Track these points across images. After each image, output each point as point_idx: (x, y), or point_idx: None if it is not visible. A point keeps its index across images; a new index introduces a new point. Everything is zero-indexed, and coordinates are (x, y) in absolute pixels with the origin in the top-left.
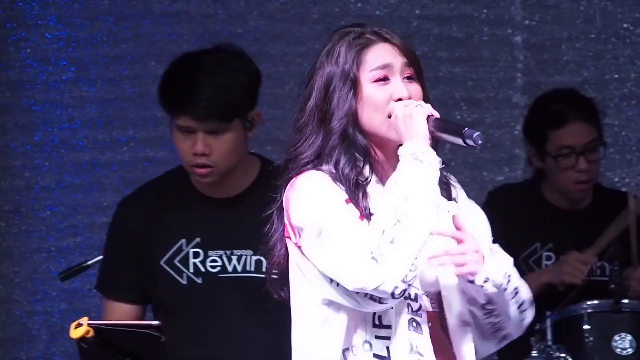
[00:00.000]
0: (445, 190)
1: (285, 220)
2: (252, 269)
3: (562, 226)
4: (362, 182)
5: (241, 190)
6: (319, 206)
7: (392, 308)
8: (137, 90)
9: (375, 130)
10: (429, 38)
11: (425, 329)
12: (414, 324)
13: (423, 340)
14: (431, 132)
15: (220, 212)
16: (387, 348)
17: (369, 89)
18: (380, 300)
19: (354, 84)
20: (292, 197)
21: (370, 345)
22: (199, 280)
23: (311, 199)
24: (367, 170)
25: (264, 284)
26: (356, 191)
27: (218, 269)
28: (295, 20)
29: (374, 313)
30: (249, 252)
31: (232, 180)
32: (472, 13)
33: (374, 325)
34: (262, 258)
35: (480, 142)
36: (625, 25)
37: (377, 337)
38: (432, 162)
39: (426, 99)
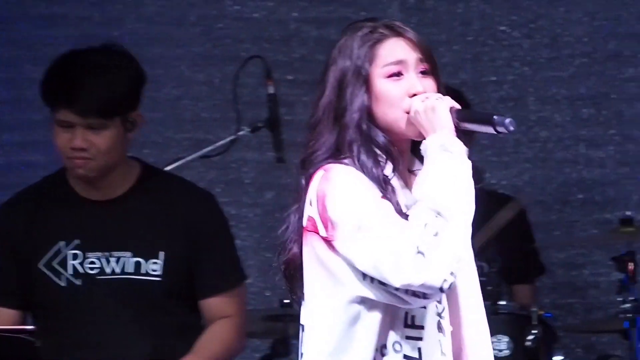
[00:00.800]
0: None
1: (313, 214)
2: (131, 270)
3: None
4: (388, 178)
5: (121, 193)
6: (358, 200)
7: (425, 307)
8: (13, 94)
9: (391, 126)
10: (307, 41)
11: (448, 330)
12: (440, 325)
13: (447, 342)
14: (455, 124)
15: (99, 214)
16: (419, 349)
17: (383, 85)
18: (425, 296)
19: (367, 80)
20: (328, 189)
21: (400, 345)
22: (78, 282)
23: (350, 192)
24: (389, 166)
25: (143, 285)
26: (385, 186)
27: (97, 270)
28: (172, 23)
29: (406, 313)
30: (128, 254)
31: (111, 182)
32: (350, 16)
33: (406, 325)
34: (141, 260)
35: (512, 128)
36: (502, 28)
37: (407, 337)
38: (463, 152)
39: (442, 94)
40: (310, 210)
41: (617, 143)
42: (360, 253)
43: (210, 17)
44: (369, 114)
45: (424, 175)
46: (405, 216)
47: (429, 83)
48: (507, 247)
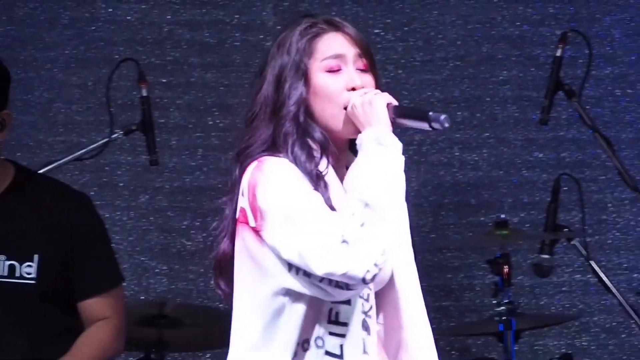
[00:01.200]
0: None
1: (244, 205)
2: (5, 274)
3: None
4: (321, 173)
5: None
6: (288, 190)
7: (349, 304)
8: None
9: (328, 122)
10: (180, 43)
11: (374, 330)
12: (365, 324)
13: (371, 342)
14: (392, 120)
15: None
16: (341, 346)
17: (321, 79)
18: (348, 287)
19: (305, 74)
20: (260, 179)
21: (323, 341)
22: None
23: (281, 183)
24: (324, 161)
25: (17, 289)
26: (317, 181)
27: None
28: (44, 25)
29: (331, 308)
30: (2, 257)
31: None
32: (223, 18)
33: (329, 321)
34: (15, 263)
35: (447, 124)
36: (376, 31)
37: (330, 333)
38: (397, 147)
39: (379, 90)
40: (241, 200)
41: (491, 146)
42: (286, 242)
43: (83, 20)
44: (306, 109)
45: (356, 167)
46: (335, 211)
47: (368, 79)
48: None
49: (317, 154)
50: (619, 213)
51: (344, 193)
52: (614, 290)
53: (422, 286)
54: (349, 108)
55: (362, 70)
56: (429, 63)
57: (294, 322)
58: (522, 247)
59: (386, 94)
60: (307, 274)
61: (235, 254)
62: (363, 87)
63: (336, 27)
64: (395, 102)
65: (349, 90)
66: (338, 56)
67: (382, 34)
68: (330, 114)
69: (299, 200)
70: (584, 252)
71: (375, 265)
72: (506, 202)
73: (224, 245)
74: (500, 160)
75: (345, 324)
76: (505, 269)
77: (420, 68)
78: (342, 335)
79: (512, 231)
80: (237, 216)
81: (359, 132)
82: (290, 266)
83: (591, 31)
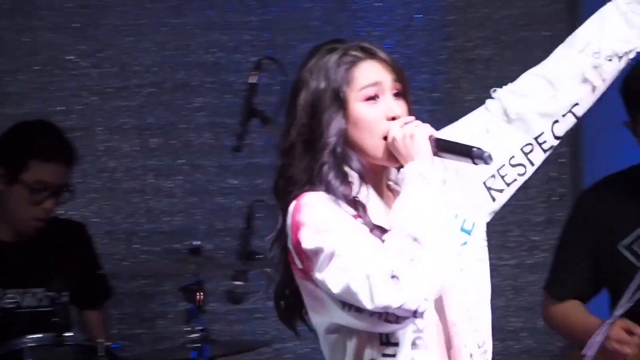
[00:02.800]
0: None
1: (290, 246)
2: None
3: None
4: (357, 198)
5: None
6: (330, 227)
7: None
8: None
9: (368, 151)
10: None
11: (433, 344)
12: (418, 342)
13: (429, 357)
14: (434, 153)
15: None
16: None
17: (360, 108)
18: (397, 321)
19: (344, 103)
20: (301, 220)
21: None
22: None
23: (321, 221)
24: (363, 188)
25: None
26: (356, 206)
27: None
28: None
29: None
30: None
31: None
32: None
33: (381, 343)
34: None
35: (490, 161)
36: (69, 57)
37: (384, 355)
38: (440, 181)
39: (413, 115)
40: (288, 242)
41: (186, 173)
42: (335, 279)
43: None
44: (345, 139)
45: (402, 201)
46: (381, 230)
47: (403, 105)
48: (75, 275)
49: (354, 180)
50: None
51: (387, 212)
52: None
53: (115, 314)
54: (389, 139)
55: (397, 97)
56: (123, 90)
57: (349, 354)
58: (217, 273)
59: (427, 126)
60: (358, 310)
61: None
62: (402, 117)
63: (371, 54)
64: (436, 134)
65: (388, 119)
66: (375, 84)
67: (76, 60)
68: (370, 144)
69: (341, 236)
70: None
71: (426, 299)
72: (200, 228)
73: (285, 279)
74: (194, 186)
75: (396, 344)
76: (199, 295)
77: (115, 94)
78: (393, 356)
79: (205, 258)
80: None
81: (399, 162)
82: (343, 304)
83: (286, 58)
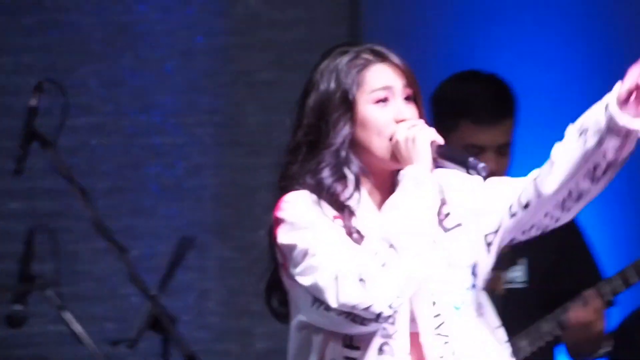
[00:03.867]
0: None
1: (274, 242)
2: None
3: None
4: (346, 199)
5: None
6: (304, 226)
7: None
8: None
9: (375, 153)
10: None
11: (401, 352)
12: (385, 347)
13: None
14: (434, 158)
15: None
16: None
17: (370, 111)
18: (362, 322)
19: (352, 105)
20: (280, 217)
21: None
22: None
23: (296, 219)
24: (353, 189)
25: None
26: (343, 209)
27: None
28: None
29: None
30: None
31: None
32: None
33: (344, 345)
34: None
35: (484, 173)
36: None
37: (345, 357)
38: (432, 189)
39: (424, 119)
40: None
41: None
42: (305, 275)
43: None
44: (351, 141)
45: (390, 204)
46: (360, 236)
47: (413, 109)
48: None
49: (350, 184)
50: (94, 263)
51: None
52: (86, 340)
53: None
54: (393, 141)
55: (408, 101)
56: None
57: (315, 351)
58: None
59: (432, 130)
60: (327, 308)
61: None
62: (410, 120)
63: (383, 58)
64: (439, 140)
65: (397, 122)
66: (386, 88)
67: None
68: (377, 146)
69: (316, 234)
70: (58, 302)
71: (390, 307)
72: None
73: (270, 276)
74: None
75: (358, 348)
76: None
77: None
78: (355, 359)
79: None
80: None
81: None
82: (313, 300)
83: (67, 81)
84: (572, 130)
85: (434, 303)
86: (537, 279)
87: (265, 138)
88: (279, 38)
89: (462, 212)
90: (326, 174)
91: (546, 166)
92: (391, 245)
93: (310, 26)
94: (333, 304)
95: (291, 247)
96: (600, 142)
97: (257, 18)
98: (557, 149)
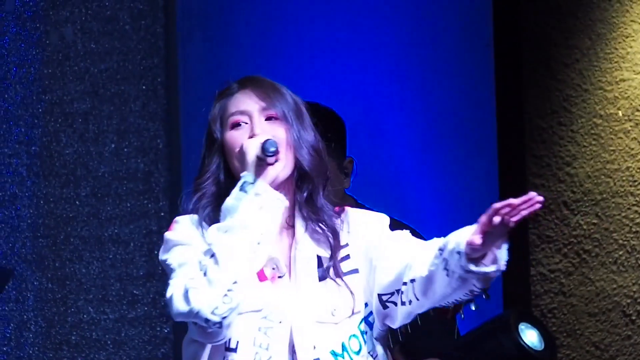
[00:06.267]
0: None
1: None
2: None
3: None
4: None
5: None
6: (173, 244)
7: (235, 352)
8: None
9: (236, 172)
10: None
11: None
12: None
13: None
14: (264, 165)
15: None
16: None
17: (228, 135)
18: (204, 330)
19: (217, 139)
20: (164, 236)
21: None
22: None
23: (170, 239)
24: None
25: None
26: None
27: None
28: None
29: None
30: None
31: None
32: None
33: (226, 349)
34: None
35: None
36: None
37: None
38: (258, 193)
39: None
40: None
41: None
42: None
43: None
44: (225, 168)
45: (222, 212)
46: None
47: (274, 127)
48: None
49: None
50: None
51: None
52: None
53: None
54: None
55: (272, 120)
56: None
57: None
58: None
59: (262, 137)
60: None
61: None
62: (260, 135)
63: (243, 85)
64: (259, 149)
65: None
66: (241, 112)
67: None
68: (236, 166)
69: (177, 253)
70: None
71: (214, 313)
72: None
73: None
74: None
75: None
76: None
77: None
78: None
79: None
80: None
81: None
82: None
83: None
84: (437, 259)
85: (314, 347)
86: None
87: (81, 168)
88: (93, 68)
89: (362, 260)
90: (202, 204)
91: (423, 281)
92: (212, 255)
93: (125, 57)
94: (172, 316)
95: (164, 263)
96: (465, 282)
97: (72, 48)
98: (431, 264)
